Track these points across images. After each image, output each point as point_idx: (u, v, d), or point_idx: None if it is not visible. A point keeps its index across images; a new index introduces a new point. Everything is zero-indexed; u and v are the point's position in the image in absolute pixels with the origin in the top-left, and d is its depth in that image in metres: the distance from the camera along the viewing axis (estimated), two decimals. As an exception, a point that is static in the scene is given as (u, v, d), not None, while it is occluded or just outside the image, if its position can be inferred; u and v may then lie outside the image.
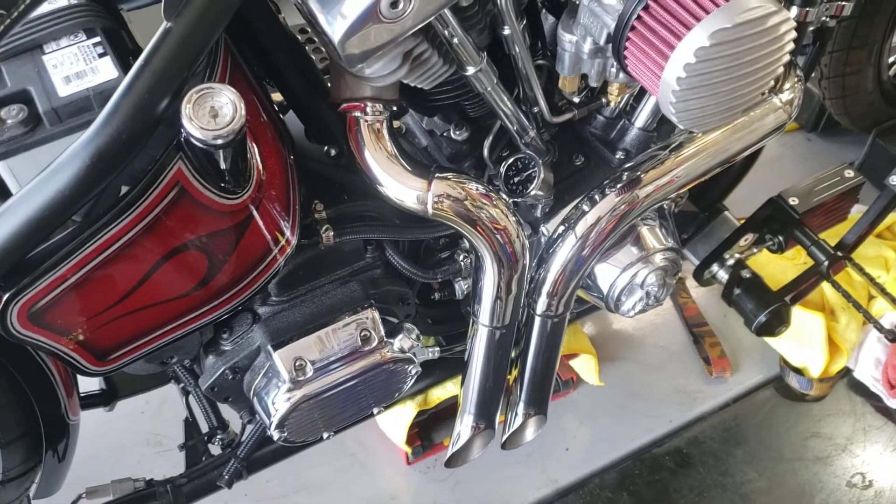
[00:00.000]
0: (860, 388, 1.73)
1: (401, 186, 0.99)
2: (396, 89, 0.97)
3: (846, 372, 1.74)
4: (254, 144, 0.91)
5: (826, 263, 1.32)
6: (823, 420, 1.69)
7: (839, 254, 1.32)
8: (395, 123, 1.28)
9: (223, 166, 0.84)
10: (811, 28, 1.36)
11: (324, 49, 0.91)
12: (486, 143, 1.15)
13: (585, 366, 1.66)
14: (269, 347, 1.08)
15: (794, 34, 0.86)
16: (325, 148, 1.11)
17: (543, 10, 1.07)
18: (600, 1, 0.90)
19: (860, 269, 1.34)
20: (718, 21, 0.80)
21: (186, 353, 1.12)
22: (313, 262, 1.11)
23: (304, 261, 1.10)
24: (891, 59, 2.08)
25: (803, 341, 1.67)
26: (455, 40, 0.91)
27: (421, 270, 1.20)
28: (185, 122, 0.75)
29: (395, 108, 0.98)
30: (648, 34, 0.85)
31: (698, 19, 0.81)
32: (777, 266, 1.74)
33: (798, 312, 1.66)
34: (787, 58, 0.89)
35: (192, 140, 0.77)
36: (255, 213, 0.92)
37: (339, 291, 1.13)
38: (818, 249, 1.32)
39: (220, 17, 0.78)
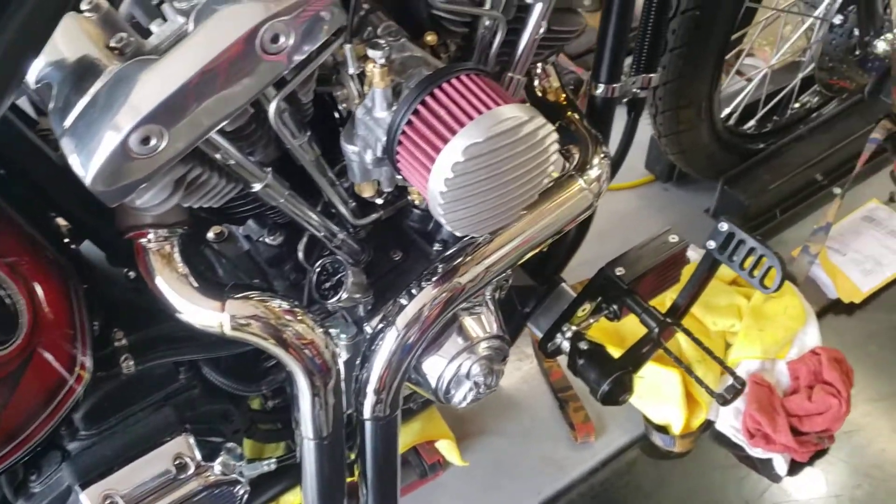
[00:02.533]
0: (723, 440, 1.77)
1: (195, 310, 0.97)
2: (183, 210, 0.96)
3: (708, 425, 1.78)
4: (21, 286, 0.88)
5: (657, 330, 1.35)
6: (690, 476, 1.72)
7: (668, 320, 1.35)
8: (216, 229, 1.27)
9: (-26, 321, 0.80)
10: (624, 101, 1.42)
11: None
12: (300, 248, 1.15)
13: (447, 448, 1.65)
14: (77, 487, 1.03)
15: (554, 137, 0.89)
16: (125, 271, 1.08)
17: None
18: (372, 114, 0.91)
19: (689, 335, 1.38)
20: (470, 136, 0.82)
21: (-11, 503, 1.06)
22: (121, 392, 1.07)
23: (110, 391, 1.06)
24: (727, 110, 2.19)
25: (662, 398, 1.70)
26: (231, 161, 0.91)
27: (243, 384, 1.17)
28: None
29: (184, 229, 0.97)
30: (413, 148, 0.87)
31: (454, 133, 0.83)
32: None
33: (653, 369, 1.70)
34: (554, 158, 0.91)
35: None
36: (30, 358, 0.89)
37: (151, 419, 1.09)
38: (648, 317, 1.36)
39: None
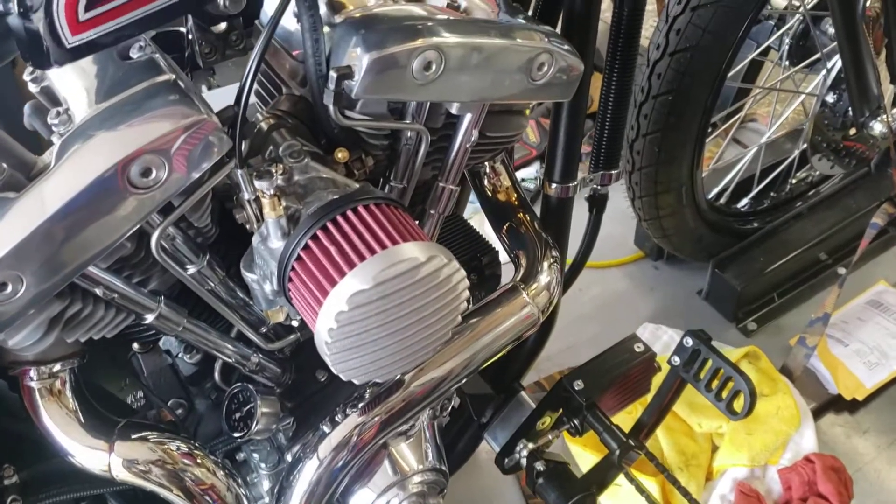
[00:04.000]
0: (707, 554, 1.65)
1: (81, 451, 0.90)
2: (74, 341, 0.89)
3: (691, 537, 1.66)
4: None
5: (618, 453, 1.25)
6: None
7: (630, 442, 1.25)
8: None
9: None
10: (585, 198, 1.35)
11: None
12: (217, 367, 1.08)
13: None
14: None
15: (461, 276, 0.81)
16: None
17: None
18: (266, 244, 0.85)
19: (653, 460, 1.27)
20: (356, 282, 0.74)
21: None
22: (14, 532, 1.00)
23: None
24: (716, 189, 2.10)
25: (641, 509, 1.59)
26: (115, 296, 0.84)
27: (153, 518, 1.09)
28: None
29: (75, 361, 0.90)
30: (301, 287, 0.80)
31: (343, 273, 0.76)
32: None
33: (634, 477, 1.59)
34: (464, 296, 0.84)
35: None
36: None
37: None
38: (610, 437, 1.26)
39: None
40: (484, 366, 1.09)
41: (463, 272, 0.81)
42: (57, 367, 0.89)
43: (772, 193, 2.22)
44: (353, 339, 0.77)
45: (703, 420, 1.73)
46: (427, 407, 1.08)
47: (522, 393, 1.39)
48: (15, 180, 0.75)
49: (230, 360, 1.01)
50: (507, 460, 1.36)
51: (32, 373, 0.87)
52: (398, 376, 1.01)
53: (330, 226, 0.79)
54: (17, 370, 0.88)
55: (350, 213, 0.79)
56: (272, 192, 0.81)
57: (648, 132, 1.60)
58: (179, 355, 1.13)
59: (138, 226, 0.77)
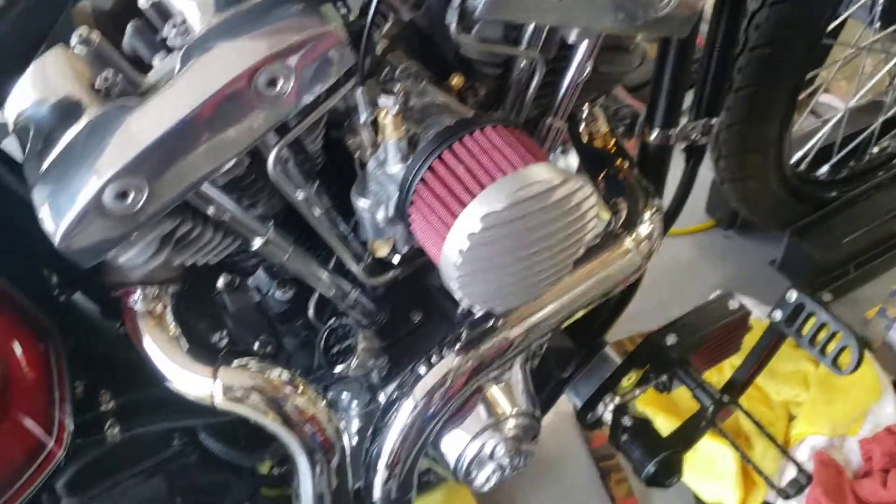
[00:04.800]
0: (783, 523, 1.60)
1: (184, 377, 0.88)
2: (175, 265, 0.87)
3: (766, 505, 1.62)
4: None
5: (711, 410, 1.21)
6: (745, 562, 1.56)
7: (725, 399, 1.21)
8: (226, 277, 1.18)
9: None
10: (681, 149, 1.30)
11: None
12: (311, 304, 1.05)
13: (474, 523, 1.53)
14: (55, 562, 0.94)
15: (592, 201, 0.77)
16: (118, 325, 1.00)
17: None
18: (384, 168, 0.82)
19: (750, 417, 1.23)
20: (490, 202, 0.71)
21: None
22: (109, 458, 0.98)
23: (96, 458, 0.97)
24: (798, 155, 2.03)
25: (715, 475, 1.56)
26: (227, 216, 0.81)
27: (243, 453, 1.07)
28: None
29: (176, 286, 0.88)
30: (426, 210, 0.76)
31: (472, 195, 0.72)
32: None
33: (707, 443, 1.55)
34: (592, 225, 0.80)
35: None
36: (3, 419, 0.81)
37: (139, 490, 1.01)
38: (702, 394, 1.22)
39: None
40: (583, 312, 1.05)
41: (595, 199, 0.77)
42: (160, 290, 0.87)
43: (851, 163, 2.14)
44: (482, 263, 0.73)
45: (781, 388, 1.68)
46: (523, 350, 1.05)
47: (607, 349, 1.35)
48: (130, 90, 0.73)
49: (328, 294, 0.98)
50: (588, 415, 1.32)
51: (137, 294, 0.85)
52: (514, 307, 0.97)
53: (457, 146, 0.76)
54: (121, 291, 0.87)
55: (478, 134, 0.76)
56: (397, 110, 0.77)
57: (742, 87, 1.54)
58: (270, 292, 1.11)
59: (261, 138, 0.74)
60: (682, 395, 1.56)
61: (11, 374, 0.83)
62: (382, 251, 0.96)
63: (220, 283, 1.17)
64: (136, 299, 0.86)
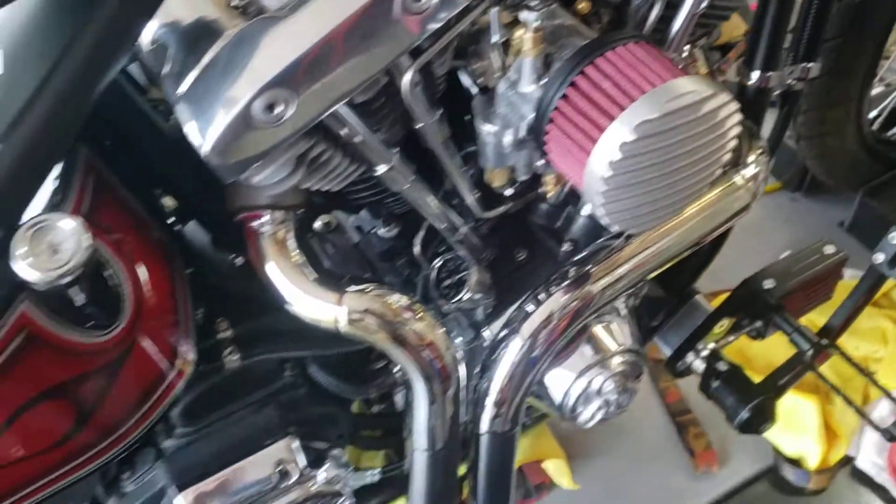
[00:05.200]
0: (864, 479, 1.60)
1: (309, 302, 0.88)
2: (301, 192, 0.87)
3: (847, 461, 1.60)
4: (125, 267, 0.80)
5: (810, 353, 1.20)
6: (825, 516, 1.55)
7: (824, 342, 1.20)
8: (324, 218, 1.19)
9: (80, 303, 0.73)
10: (776, 92, 1.28)
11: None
12: (417, 241, 1.05)
13: (556, 469, 1.52)
14: (172, 489, 0.95)
15: (737, 118, 0.77)
16: (232, 256, 1.01)
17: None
18: (517, 89, 0.81)
19: (848, 359, 1.22)
20: (644, 111, 0.70)
21: (80, 499, 1.00)
22: (222, 388, 0.99)
23: (210, 387, 0.98)
24: (872, 114, 2.00)
25: (797, 429, 1.54)
26: (357, 139, 0.81)
27: (351, 386, 1.08)
28: (14, 264, 0.64)
29: (300, 212, 0.88)
30: (569, 127, 0.76)
31: (622, 107, 0.71)
32: (766, 342, 1.62)
33: (789, 397, 1.53)
34: (733, 143, 0.79)
35: (29, 282, 0.66)
36: (134, 345, 0.81)
37: (253, 419, 1.01)
38: (801, 337, 1.21)
39: (65, 132, 0.68)
40: (699, 246, 1.05)
41: (739, 116, 0.76)
42: (286, 215, 0.87)
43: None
44: (630, 176, 0.72)
45: (860, 343, 1.67)
46: (629, 289, 1.05)
47: (698, 297, 1.33)
48: (265, 9, 0.72)
49: (440, 227, 0.98)
50: (678, 364, 1.32)
51: (265, 217, 0.86)
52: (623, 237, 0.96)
53: (601, 62, 0.75)
54: (245, 215, 0.87)
55: (622, 49, 0.75)
56: (538, 25, 0.76)
57: (829, 38, 1.51)
58: (374, 230, 1.11)
59: (401, 55, 0.74)
60: (754, 350, 1.56)
61: (141, 297, 0.84)
62: (500, 180, 0.95)
63: (318, 224, 1.18)
64: (263, 223, 0.86)
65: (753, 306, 1.24)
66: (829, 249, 1.25)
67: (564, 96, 0.76)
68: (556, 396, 1.07)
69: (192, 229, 1.03)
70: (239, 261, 1.00)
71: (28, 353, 0.72)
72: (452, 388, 0.96)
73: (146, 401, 0.87)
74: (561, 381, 1.06)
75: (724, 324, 1.29)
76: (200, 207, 0.99)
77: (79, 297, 0.72)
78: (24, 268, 0.65)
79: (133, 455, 0.99)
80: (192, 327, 0.91)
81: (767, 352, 1.61)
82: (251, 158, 0.73)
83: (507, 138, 0.86)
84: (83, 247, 0.67)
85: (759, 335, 1.28)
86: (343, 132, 0.80)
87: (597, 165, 0.72)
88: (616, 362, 1.06)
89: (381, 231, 1.09)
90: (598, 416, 1.09)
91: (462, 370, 0.97)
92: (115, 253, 0.81)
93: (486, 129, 0.86)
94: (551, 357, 1.02)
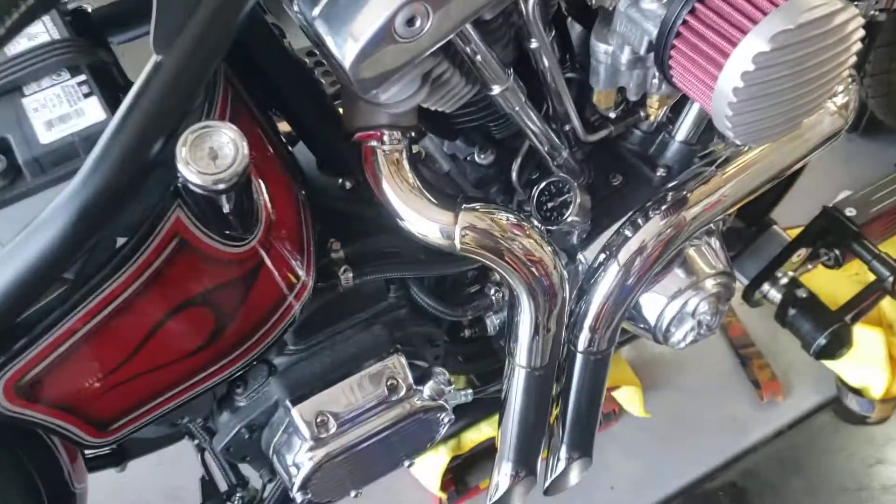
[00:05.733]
0: (926, 408, 1.62)
1: (425, 220, 0.91)
2: (415, 114, 0.89)
3: (910, 390, 1.63)
4: (260, 182, 0.83)
5: (892, 279, 1.22)
6: (888, 445, 1.59)
7: (905, 269, 1.22)
8: (414, 148, 1.21)
9: (227, 211, 0.76)
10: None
11: (334, 74, 0.83)
12: (515, 167, 1.08)
13: (629, 397, 1.56)
14: (288, 403, 0.99)
15: (861, 33, 0.78)
16: (340, 180, 1.03)
17: (570, 20, 0.99)
18: (639, 6, 0.82)
19: (929, 285, 1.24)
20: (779, 22, 0.71)
21: (198, 413, 1.04)
22: (332, 307, 1.03)
23: (321, 305, 1.01)
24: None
25: (861, 359, 1.56)
26: (478, 58, 0.83)
27: (449, 308, 1.11)
28: (181, 167, 0.67)
29: (413, 134, 0.90)
30: (697, 41, 0.77)
31: (754, 21, 0.73)
32: (825, 278, 1.64)
33: (854, 328, 1.56)
34: (853, 59, 0.80)
35: (191, 186, 0.69)
36: (265, 258, 0.84)
37: (361, 337, 1.04)
38: (881, 264, 1.23)
39: (218, 46, 0.70)
40: (791, 171, 1.06)
41: (862, 32, 0.78)
42: (402, 136, 0.89)
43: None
44: (762, 87, 0.74)
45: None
46: (724, 213, 1.07)
47: (775, 227, 1.35)
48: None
49: (542, 150, 1.00)
50: (756, 293, 1.34)
51: (385, 137, 0.88)
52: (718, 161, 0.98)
53: (729, -25, 0.76)
54: (363, 134, 0.89)
55: (749, -37, 0.76)
56: (666, -63, 0.77)
57: None
58: (469, 157, 1.13)
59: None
60: (824, 280, 1.58)
61: (274, 214, 0.86)
62: (606, 102, 0.97)
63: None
64: (382, 142, 0.88)
65: (834, 234, 1.26)
66: (911, 178, 1.27)
67: (693, 10, 0.77)
68: (650, 318, 1.09)
69: (299, 153, 1.06)
70: (347, 184, 1.03)
71: (180, 258, 0.76)
72: (558, 306, 0.99)
73: (273, 315, 0.90)
74: (655, 303, 1.09)
75: (802, 253, 1.31)
76: (311, 130, 1.01)
77: (227, 206, 0.75)
78: (188, 170, 0.67)
79: (245, 372, 1.03)
80: (313, 248, 0.94)
81: (832, 288, 1.63)
82: (389, 72, 0.75)
83: (623, 57, 0.87)
84: (242, 155, 0.69)
85: (836, 263, 1.30)
86: (467, 50, 0.82)
87: (729, 79, 0.74)
88: (710, 284, 1.08)
89: (479, 158, 1.11)
90: (690, 338, 1.11)
91: (567, 290, 1.00)
92: (252, 172, 0.84)
93: (603, 49, 0.88)
94: (647, 282, 1.05)
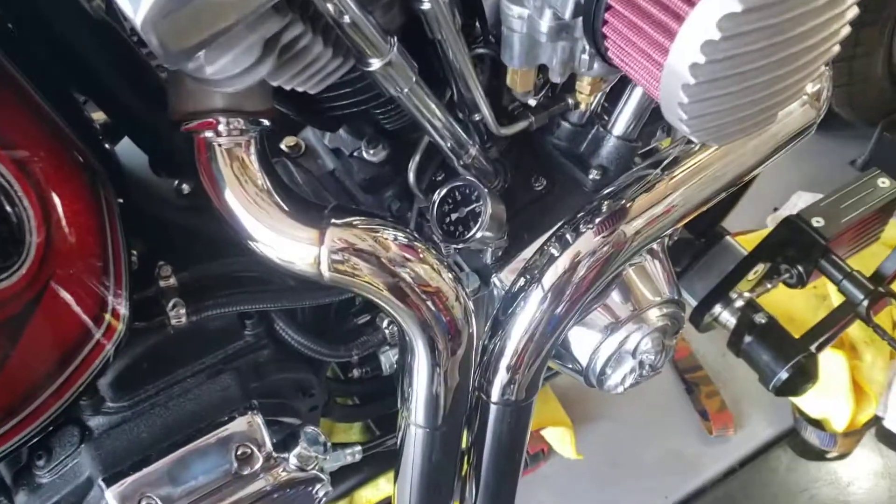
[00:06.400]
0: (893, 441, 1.49)
1: (279, 240, 0.69)
2: (267, 94, 0.68)
3: (874, 421, 1.49)
4: (31, 193, 0.61)
5: (865, 301, 1.06)
6: (852, 485, 1.44)
7: (881, 289, 1.05)
8: (290, 140, 0.99)
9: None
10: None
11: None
12: (412, 165, 0.87)
13: (559, 437, 1.38)
14: (101, 482, 0.77)
15: (855, 11, 0.59)
16: (176, 183, 0.81)
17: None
18: (563, -48, 0.62)
19: (908, 308, 1.09)
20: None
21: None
22: (164, 350, 0.81)
23: (149, 348, 0.80)
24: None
25: (822, 388, 1.41)
26: (346, 19, 0.62)
27: (327, 347, 0.90)
28: None
29: (267, 122, 0.68)
30: (642, 1, 0.57)
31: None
32: (779, 290, 1.49)
33: (815, 353, 1.41)
34: (847, 29, 0.61)
35: None
36: (39, 297, 0.62)
37: (204, 390, 0.83)
38: (853, 285, 1.06)
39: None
40: (755, 174, 0.88)
41: (857, 9, 0.59)
42: (248, 124, 0.67)
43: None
44: (732, 64, 0.54)
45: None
46: (675, 226, 0.88)
47: (728, 238, 1.18)
48: None
49: (444, 146, 0.79)
50: (705, 316, 1.16)
51: (221, 126, 0.65)
52: (738, 138, 0.78)
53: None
54: (195, 123, 0.67)
55: None
56: None
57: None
58: (357, 152, 0.92)
59: None
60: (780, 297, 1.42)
61: (53, 231, 0.64)
62: (523, 86, 0.77)
63: (284, 145, 0.99)
64: (218, 132, 0.66)
65: (797, 248, 1.09)
66: (884, 182, 1.11)
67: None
68: (581, 357, 0.90)
69: (125, 149, 0.83)
70: (185, 187, 0.81)
71: None
72: (462, 349, 0.79)
73: (64, 367, 0.69)
74: (587, 339, 0.89)
75: (759, 269, 1.14)
76: (132, 119, 0.78)
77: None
78: None
79: (50, 436, 0.80)
80: (126, 272, 0.72)
81: (787, 303, 1.47)
82: (204, 36, 0.53)
83: (543, 25, 0.67)
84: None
85: (799, 282, 1.13)
86: (329, 8, 0.61)
87: (685, 51, 0.54)
88: (654, 316, 0.89)
89: (367, 154, 0.91)
90: (629, 381, 0.93)
91: (474, 326, 0.79)
92: (16, 173, 0.61)
93: (516, 13, 0.68)
94: (578, 313, 0.85)
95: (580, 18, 0.64)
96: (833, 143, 2.01)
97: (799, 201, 1.81)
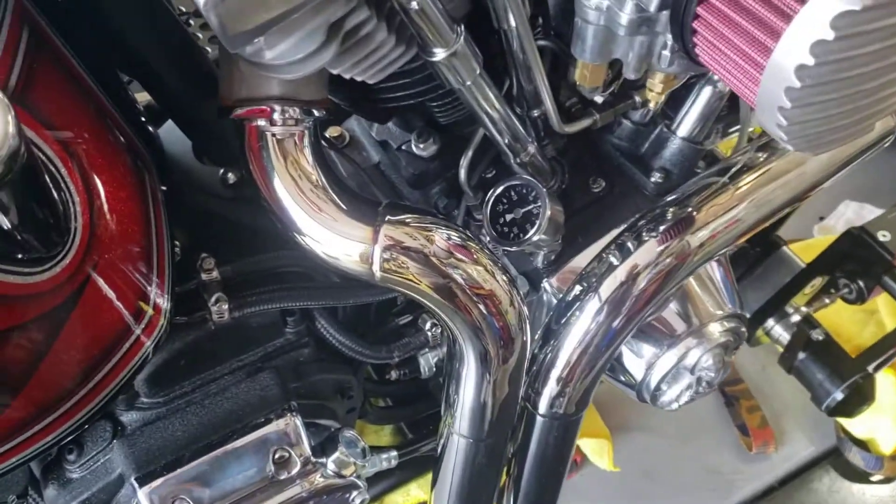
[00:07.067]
0: (941, 467, 1.44)
1: (331, 236, 0.66)
2: (324, 83, 0.65)
3: (923, 445, 1.45)
4: (76, 177, 0.58)
5: (931, 323, 1.02)
6: (897, 509, 1.40)
7: (949, 310, 1.02)
8: (333, 131, 0.96)
9: (7, 225, 0.50)
10: None
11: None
12: (464, 162, 0.84)
13: (598, 449, 1.34)
14: (133, 481, 0.74)
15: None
16: (221, 172, 0.78)
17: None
18: (652, -60, 0.58)
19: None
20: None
21: (11, 489, 0.78)
22: (203, 346, 0.79)
23: (187, 344, 0.77)
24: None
25: (870, 407, 1.37)
26: (414, 5, 0.58)
27: (369, 349, 0.87)
28: None
29: (321, 113, 0.65)
30: (742, -4, 0.53)
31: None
32: (828, 308, 1.45)
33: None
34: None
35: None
36: (82, 289, 0.59)
37: (242, 388, 0.80)
38: (920, 303, 1.03)
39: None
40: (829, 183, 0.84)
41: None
42: (303, 114, 0.64)
43: None
44: (845, 67, 0.51)
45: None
46: (744, 235, 0.84)
47: (785, 248, 1.14)
48: None
49: (501, 143, 0.76)
50: (759, 329, 1.13)
51: (277, 114, 0.62)
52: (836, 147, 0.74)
53: None
54: (247, 109, 0.63)
55: None
56: None
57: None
58: (405, 145, 0.89)
59: None
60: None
61: (97, 218, 0.61)
62: (593, 81, 0.73)
63: (328, 135, 0.96)
64: (271, 121, 0.63)
65: (859, 262, 1.05)
66: (956, 197, 1.06)
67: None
68: (636, 371, 0.87)
69: (169, 133, 0.80)
70: (230, 177, 0.78)
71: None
72: (514, 357, 0.75)
73: (103, 363, 0.66)
74: (643, 352, 0.86)
75: (817, 283, 1.10)
76: (181, 103, 0.76)
77: (7, 216, 0.49)
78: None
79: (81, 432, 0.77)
80: (169, 265, 0.69)
81: (834, 319, 1.43)
82: (266, 18, 0.50)
83: (623, 17, 0.63)
84: (7, 133, 0.44)
85: (858, 298, 1.09)
86: (395, -6, 0.58)
87: (792, 52, 0.50)
88: (716, 331, 0.85)
89: (416, 147, 0.88)
90: (685, 398, 0.89)
91: (529, 335, 0.76)
92: (61, 155, 0.58)
93: (594, 4, 0.64)
94: (637, 326, 0.82)
95: (666, 12, 0.61)
96: (882, 150, 1.96)
97: (847, 210, 1.77)
